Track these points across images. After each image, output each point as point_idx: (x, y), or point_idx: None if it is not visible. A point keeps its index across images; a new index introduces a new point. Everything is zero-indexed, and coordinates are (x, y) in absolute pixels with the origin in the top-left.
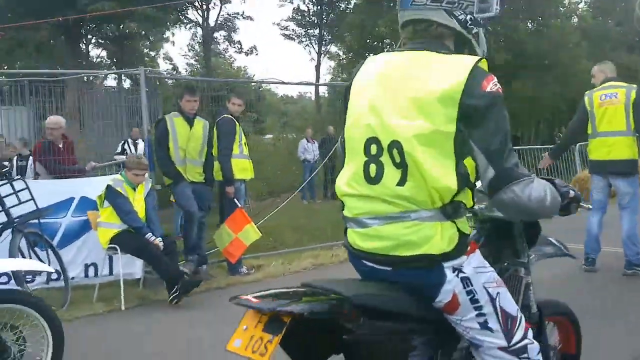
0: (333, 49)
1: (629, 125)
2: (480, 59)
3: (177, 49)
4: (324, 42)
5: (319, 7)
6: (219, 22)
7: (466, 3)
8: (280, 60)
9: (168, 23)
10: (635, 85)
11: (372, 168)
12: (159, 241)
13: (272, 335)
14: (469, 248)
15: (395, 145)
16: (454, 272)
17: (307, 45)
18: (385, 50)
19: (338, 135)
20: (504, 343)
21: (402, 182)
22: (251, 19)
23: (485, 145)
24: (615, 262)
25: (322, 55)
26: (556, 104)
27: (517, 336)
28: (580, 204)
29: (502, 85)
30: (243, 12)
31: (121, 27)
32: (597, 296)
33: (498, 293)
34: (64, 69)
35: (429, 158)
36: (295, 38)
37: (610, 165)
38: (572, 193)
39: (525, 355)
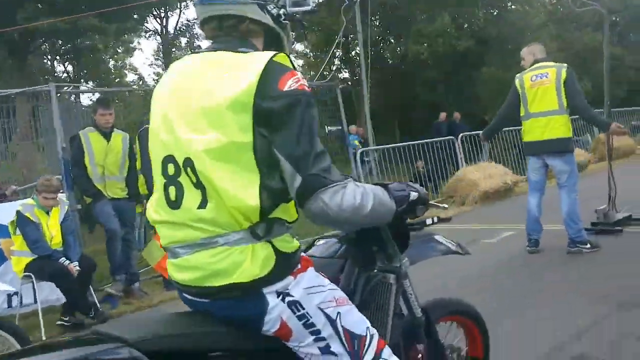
0: (299, 47)
1: (561, 103)
2: (277, 53)
3: (143, 59)
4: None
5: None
6: (179, 29)
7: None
8: None
9: (126, 35)
10: (565, 64)
11: (172, 190)
12: (73, 266)
13: None
14: (298, 267)
15: (189, 163)
16: (278, 297)
17: None
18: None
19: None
20: None
21: (203, 204)
22: None
23: (289, 151)
24: (560, 241)
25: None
26: None
27: (368, 357)
28: (432, 203)
29: (468, 72)
30: None
31: (77, 41)
32: (535, 278)
33: (339, 313)
34: (10, 86)
35: (225, 174)
36: None
37: (545, 145)
38: (413, 195)
39: None
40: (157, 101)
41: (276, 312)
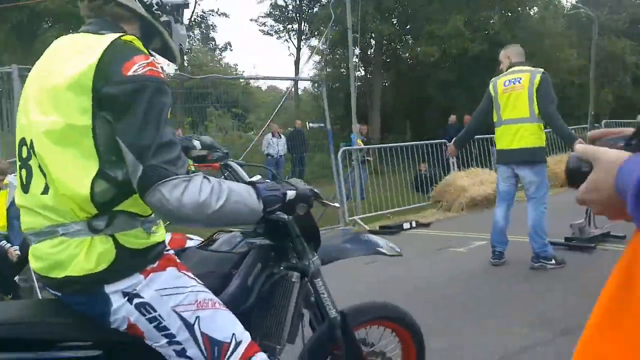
0: (315, 42)
1: (532, 111)
2: (123, 35)
3: None
4: (303, 37)
5: (298, 1)
6: (193, 20)
7: None
8: (260, 55)
9: None
10: (541, 70)
11: (24, 173)
12: (13, 250)
13: None
14: (152, 266)
15: (31, 145)
16: (125, 297)
17: (286, 40)
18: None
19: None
20: None
21: (45, 190)
22: (226, 15)
23: (131, 140)
24: (527, 254)
25: (302, 50)
26: None
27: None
28: (324, 200)
29: (482, 75)
30: (218, 9)
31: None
32: (490, 293)
33: (198, 317)
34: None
35: (62, 159)
36: (274, 34)
37: (514, 154)
38: (290, 194)
39: None
40: (26, 85)
41: (122, 313)
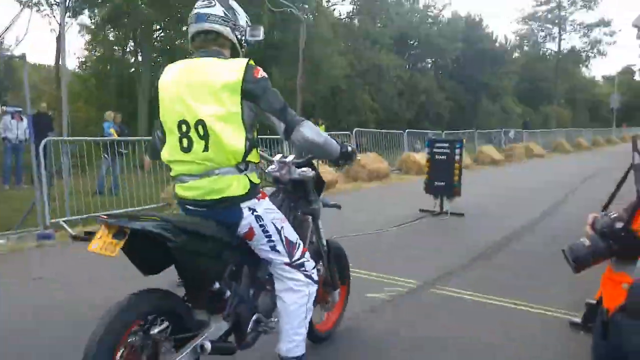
0: (86, 20)
1: None
2: (250, 59)
3: None
4: (68, 14)
5: None
6: None
7: (242, 29)
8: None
9: None
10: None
11: (184, 141)
12: None
13: (117, 240)
14: (259, 195)
15: (200, 122)
16: (249, 211)
17: (48, 15)
18: None
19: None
20: (287, 259)
21: (206, 149)
22: None
23: (271, 108)
24: None
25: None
26: (308, 99)
27: (297, 255)
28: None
29: None
30: None
31: None
32: None
33: (282, 227)
34: None
35: (226, 130)
36: (33, 6)
37: None
38: (350, 149)
39: (304, 268)
40: (165, 87)
41: (247, 220)
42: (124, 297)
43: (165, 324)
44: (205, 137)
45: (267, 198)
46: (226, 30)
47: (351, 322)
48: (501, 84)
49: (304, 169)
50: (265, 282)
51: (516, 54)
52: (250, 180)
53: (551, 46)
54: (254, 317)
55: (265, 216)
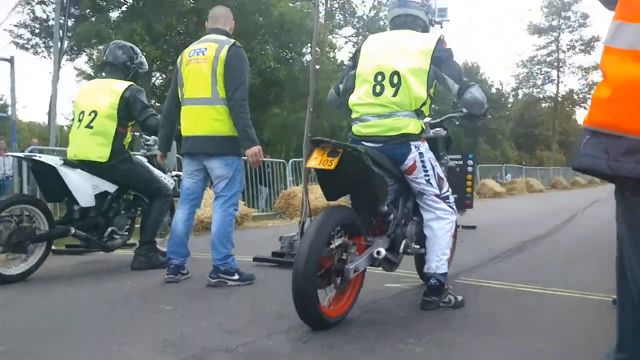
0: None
1: (215, 92)
2: (440, 35)
3: None
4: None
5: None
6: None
7: (432, 11)
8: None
9: None
10: (233, 40)
11: (377, 88)
12: None
13: (333, 157)
14: (423, 138)
15: (396, 73)
16: (415, 148)
17: (45, 57)
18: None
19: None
20: (437, 192)
21: (395, 95)
22: None
23: (450, 73)
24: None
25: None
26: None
27: (444, 189)
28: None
29: (256, 112)
30: None
31: None
32: (135, 318)
33: (435, 165)
34: None
35: (415, 81)
36: (30, 48)
37: (198, 143)
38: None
39: (448, 200)
40: (369, 48)
41: (413, 155)
42: (320, 215)
43: (347, 235)
44: (397, 85)
45: (425, 142)
46: (422, 14)
47: (375, 306)
48: (499, 129)
49: (437, 128)
50: (411, 214)
51: (510, 100)
52: (421, 125)
53: (550, 88)
54: (403, 241)
55: (425, 154)
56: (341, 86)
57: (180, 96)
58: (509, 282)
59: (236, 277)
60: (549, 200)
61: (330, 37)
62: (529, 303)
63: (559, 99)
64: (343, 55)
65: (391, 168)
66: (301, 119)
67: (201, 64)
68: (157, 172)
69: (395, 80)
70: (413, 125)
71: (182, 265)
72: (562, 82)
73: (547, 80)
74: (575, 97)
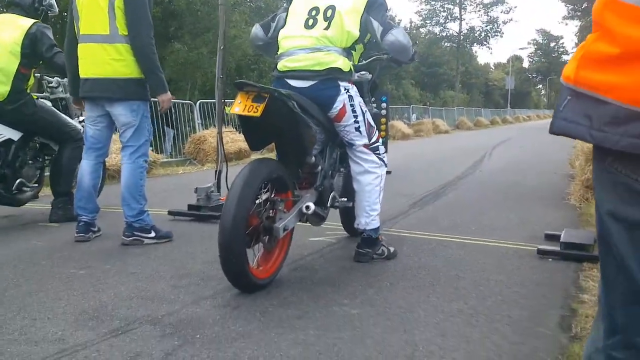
0: None
1: (114, 28)
2: None
3: None
4: None
5: None
6: None
7: None
8: None
9: None
10: None
11: (310, 21)
12: None
13: (259, 103)
14: (351, 80)
15: (331, 7)
16: (344, 90)
17: None
18: None
19: None
20: (366, 141)
21: (327, 28)
22: None
23: (378, 17)
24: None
25: None
26: (211, 69)
27: (374, 139)
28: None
29: (157, 47)
30: None
31: None
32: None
33: (365, 110)
34: None
35: (347, 18)
36: None
37: (97, 86)
38: (415, 53)
39: (377, 152)
40: None
41: (342, 97)
42: (246, 169)
43: (274, 190)
44: (330, 18)
45: (354, 86)
46: None
47: (302, 262)
48: (403, 68)
49: (362, 72)
50: (338, 164)
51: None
52: (350, 65)
53: (453, 26)
54: (330, 194)
55: (355, 98)
56: (273, 25)
57: (76, 32)
58: (431, 233)
59: (152, 234)
60: (455, 142)
61: None
62: (455, 254)
63: (462, 37)
64: None
65: (319, 115)
66: (203, 55)
67: None
68: (64, 116)
69: (329, 14)
70: (342, 62)
71: (92, 222)
72: (464, 19)
73: (449, 19)
74: (477, 35)
